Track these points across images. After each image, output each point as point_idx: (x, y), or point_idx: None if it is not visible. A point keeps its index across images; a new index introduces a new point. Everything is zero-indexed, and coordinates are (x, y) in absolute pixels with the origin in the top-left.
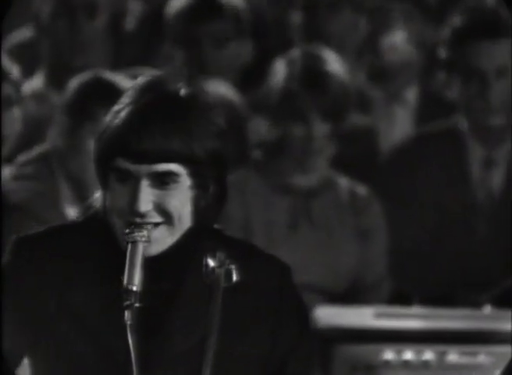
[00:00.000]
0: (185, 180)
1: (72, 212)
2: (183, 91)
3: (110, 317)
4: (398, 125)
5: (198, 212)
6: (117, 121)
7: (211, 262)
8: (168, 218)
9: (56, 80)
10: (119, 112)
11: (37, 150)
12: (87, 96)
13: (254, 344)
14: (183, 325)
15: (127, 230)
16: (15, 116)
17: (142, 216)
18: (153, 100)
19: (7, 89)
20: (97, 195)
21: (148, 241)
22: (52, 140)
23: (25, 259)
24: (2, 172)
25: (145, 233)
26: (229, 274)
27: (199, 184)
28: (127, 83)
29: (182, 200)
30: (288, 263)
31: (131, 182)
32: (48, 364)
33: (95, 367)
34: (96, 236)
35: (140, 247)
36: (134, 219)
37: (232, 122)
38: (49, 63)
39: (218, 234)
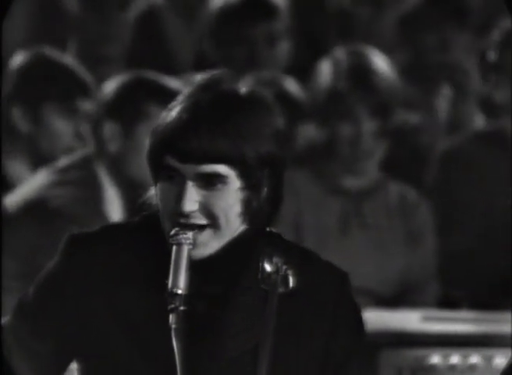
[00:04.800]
0: (234, 182)
1: (116, 217)
2: (239, 92)
3: (158, 320)
4: (438, 124)
5: (250, 214)
6: (168, 119)
7: (268, 268)
8: (213, 220)
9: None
10: (172, 109)
11: (78, 155)
12: (135, 97)
13: (308, 351)
14: (236, 330)
15: (172, 232)
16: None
17: (186, 216)
18: (205, 99)
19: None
20: (152, 193)
21: (193, 243)
22: (98, 144)
23: (77, 258)
24: (37, 177)
25: (190, 235)
26: (285, 280)
27: (250, 186)
28: (168, 80)
29: (229, 202)
30: (345, 271)
31: (178, 181)
32: (94, 366)
33: (141, 370)
34: (149, 236)
35: (185, 249)
36: (179, 219)
37: (291, 119)
38: (78, 56)
39: (275, 239)
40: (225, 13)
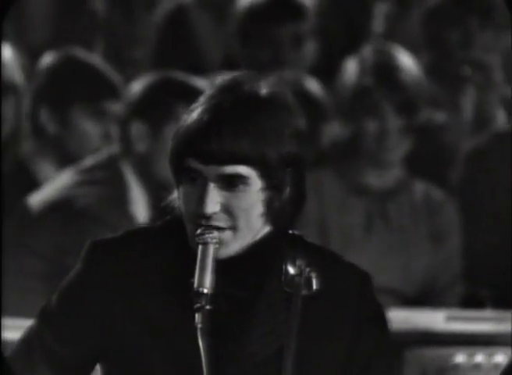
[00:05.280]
0: (255, 182)
1: (142, 217)
2: (260, 93)
3: (181, 323)
4: (463, 123)
5: (272, 215)
6: (189, 120)
7: (291, 270)
8: (234, 221)
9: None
10: (193, 111)
11: (103, 154)
12: (163, 97)
13: (332, 353)
14: (260, 333)
15: (198, 232)
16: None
17: (208, 217)
18: (226, 100)
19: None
20: (175, 195)
21: (219, 242)
22: (125, 144)
23: (99, 264)
24: (63, 177)
25: (216, 234)
26: (309, 282)
27: (272, 186)
28: (196, 80)
29: (251, 203)
30: (368, 272)
31: (200, 183)
32: (118, 371)
33: (166, 372)
34: (172, 240)
35: (211, 249)
36: (201, 221)
37: (312, 119)
38: (105, 58)
39: (298, 241)
40: (252, 13)
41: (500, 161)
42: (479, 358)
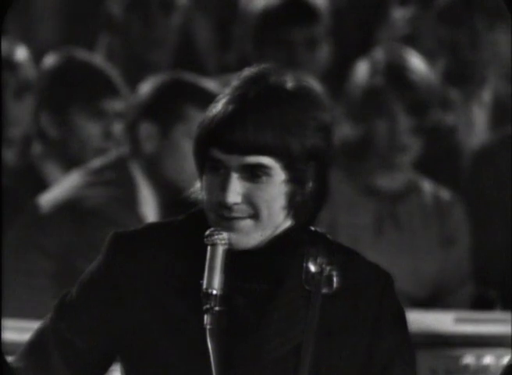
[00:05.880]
0: (278, 174)
1: (151, 217)
2: (286, 85)
3: (196, 320)
4: (476, 125)
5: (294, 208)
6: (214, 111)
7: (312, 268)
8: (256, 211)
9: (130, 78)
10: (218, 101)
11: (112, 155)
12: (172, 98)
13: (351, 352)
14: (279, 330)
15: (207, 233)
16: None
17: (229, 208)
18: (251, 91)
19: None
20: (197, 186)
21: (227, 243)
22: (134, 145)
23: (121, 256)
24: (72, 177)
25: (225, 235)
26: (329, 281)
27: (295, 179)
28: (205, 82)
29: (273, 194)
30: (390, 272)
31: (222, 173)
32: (134, 365)
33: (179, 369)
34: (192, 235)
35: (220, 250)
36: (222, 211)
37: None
38: (123, 61)
39: (321, 238)
40: (266, 15)
41: (508, 162)
42: (488, 359)
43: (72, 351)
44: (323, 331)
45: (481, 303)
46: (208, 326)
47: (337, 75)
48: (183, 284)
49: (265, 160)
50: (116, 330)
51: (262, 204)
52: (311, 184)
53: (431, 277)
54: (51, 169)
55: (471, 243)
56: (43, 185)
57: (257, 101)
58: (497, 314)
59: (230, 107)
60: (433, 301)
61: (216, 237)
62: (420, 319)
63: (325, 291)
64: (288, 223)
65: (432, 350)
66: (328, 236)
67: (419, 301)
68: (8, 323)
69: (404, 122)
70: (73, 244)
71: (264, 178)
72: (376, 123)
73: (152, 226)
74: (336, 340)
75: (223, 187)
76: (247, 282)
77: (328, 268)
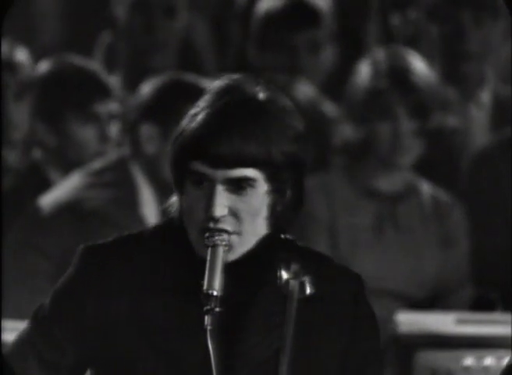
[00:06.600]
0: (262, 185)
1: (152, 218)
2: (260, 95)
3: (184, 326)
4: (475, 127)
5: (274, 217)
6: (194, 124)
7: (285, 274)
8: (240, 226)
9: (133, 82)
10: (196, 115)
11: (112, 156)
12: (173, 99)
13: (328, 355)
14: (260, 336)
15: (207, 234)
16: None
17: (216, 220)
18: (231, 103)
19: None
20: (173, 200)
21: (228, 245)
22: (134, 146)
23: (91, 269)
24: (72, 179)
25: (225, 237)
26: (302, 287)
27: (276, 189)
28: (206, 82)
29: (256, 206)
30: (358, 272)
31: (207, 186)
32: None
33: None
34: (170, 243)
35: (221, 251)
36: (209, 224)
37: (315, 124)
38: (126, 64)
39: (291, 245)
40: (269, 19)
41: (507, 164)
42: (488, 360)
43: (48, 364)
44: (300, 335)
45: (481, 304)
46: (208, 327)
47: (339, 77)
48: (164, 292)
49: (250, 172)
50: (94, 344)
51: (247, 217)
52: (289, 194)
53: (431, 278)
54: (50, 175)
55: (470, 244)
56: (44, 187)
57: (238, 113)
58: (498, 315)
59: (212, 121)
60: (433, 302)
61: (217, 238)
62: (421, 321)
63: (299, 296)
64: (265, 232)
65: (433, 351)
66: (298, 242)
67: (419, 302)
68: (7, 324)
69: (407, 124)
70: (74, 246)
71: (248, 190)
72: (378, 125)
73: (122, 237)
74: (313, 343)
75: (209, 200)
76: (225, 292)
77: (300, 273)
